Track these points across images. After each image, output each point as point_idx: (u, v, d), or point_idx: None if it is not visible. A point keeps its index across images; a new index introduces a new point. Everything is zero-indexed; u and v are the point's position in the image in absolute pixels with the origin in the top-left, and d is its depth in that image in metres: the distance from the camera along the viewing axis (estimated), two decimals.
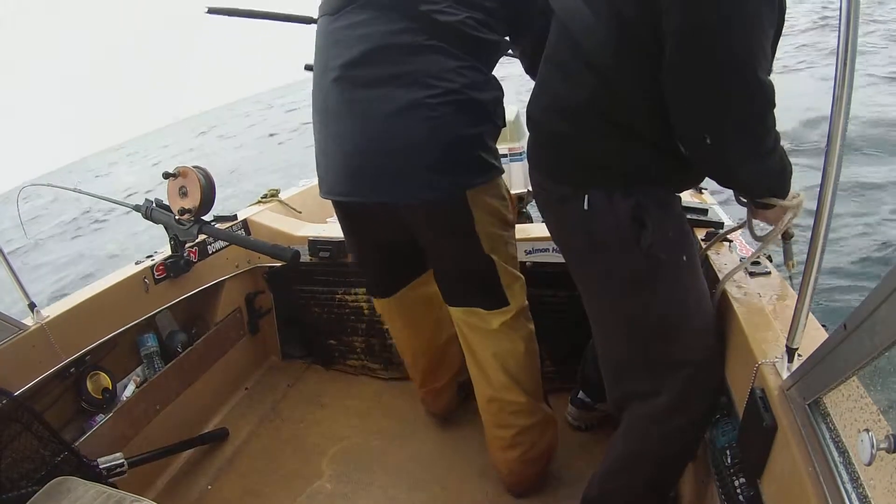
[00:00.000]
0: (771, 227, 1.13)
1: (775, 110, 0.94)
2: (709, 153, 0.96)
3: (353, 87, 1.20)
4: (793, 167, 1.05)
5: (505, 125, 1.32)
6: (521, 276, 1.43)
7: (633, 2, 0.93)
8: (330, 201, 1.41)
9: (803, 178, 1.09)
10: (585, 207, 1.07)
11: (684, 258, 1.09)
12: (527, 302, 1.45)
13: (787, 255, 1.17)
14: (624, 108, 1.01)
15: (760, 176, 1.02)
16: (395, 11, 1.16)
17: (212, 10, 1.70)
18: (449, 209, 1.26)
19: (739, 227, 1.24)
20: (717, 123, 0.93)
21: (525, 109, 1.22)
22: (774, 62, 0.96)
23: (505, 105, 1.31)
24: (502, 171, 1.32)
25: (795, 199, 1.06)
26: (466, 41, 1.18)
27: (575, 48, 1.04)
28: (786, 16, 0.95)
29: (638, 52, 0.96)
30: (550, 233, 1.30)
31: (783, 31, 0.96)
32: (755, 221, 1.16)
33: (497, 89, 1.27)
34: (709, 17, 0.86)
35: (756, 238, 1.19)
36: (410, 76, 1.16)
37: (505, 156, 2.46)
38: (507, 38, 1.32)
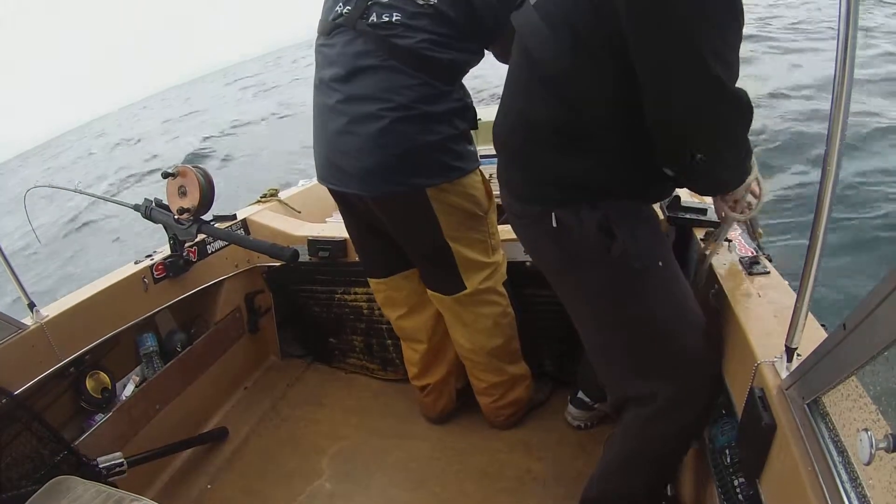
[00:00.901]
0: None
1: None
2: (700, 169, 0.96)
3: (336, 97, 1.41)
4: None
5: (475, 128, 1.49)
6: (492, 260, 1.59)
7: (587, 13, 0.92)
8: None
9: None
10: (554, 225, 1.07)
11: (660, 263, 1.09)
12: (490, 284, 1.60)
13: (755, 224, 1.22)
14: (584, 123, 1.00)
15: (741, 174, 1.04)
16: (363, 36, 1.36)
17: None
18: (409, 204, 1.44)
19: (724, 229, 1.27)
20: (707, 141, 0.93)
21: None
22: None
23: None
24: (468, 171, 1.47)
25: (752, 169, 1.09)
26: (419, 60, 1.34)
27: (533, 64, 1.03)
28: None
29: (594, 64, 0.95)
30: (525, 250, 1.30)
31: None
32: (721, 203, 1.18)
33: (456, 101, 1.42)
34: (682, 46, 0.85)
35: (737, 219, 1.20)
36: (370, 91, 1.36)
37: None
38: (477, 51, 1.44)
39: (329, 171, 1.48)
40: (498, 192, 1.36)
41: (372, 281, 1.77)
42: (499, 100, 1.19)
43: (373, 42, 1.34)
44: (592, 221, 1.04)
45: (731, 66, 0.88)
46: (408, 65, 1.34)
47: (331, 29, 1.42)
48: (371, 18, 1.35)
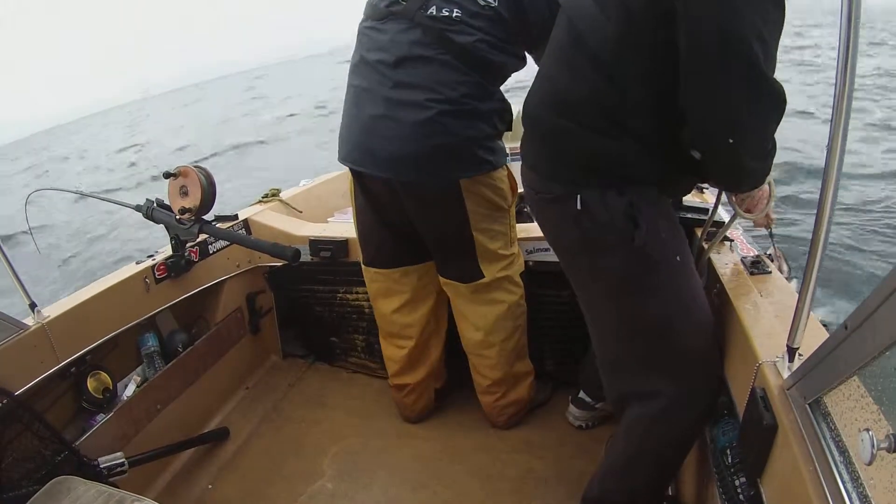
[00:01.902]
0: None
1: None
2: (729, 155, 0.96)
3: (380, 81, 1.42)
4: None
5: (510, 129, 1.53)
6: (510, 252, 1.62)
7: None
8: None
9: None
10: (578, 207, 1.07)
11: (677, 258, 1.09)
12: (508, 273, 1.63)
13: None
14: (625, 106, 1.00)
15: (764, 171, 1.04)
16: (420, 27, 1.37)
17: None
18: (441, 193, 1.48)
19: (732, 220, 1.28)
20: (741, 124, 0.93)
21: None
22: None
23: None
24: (499, 166, 1.51)
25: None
26: (474, 59, 1.37)
27: (579, 42, 1.03)
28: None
29: (642, 47, 0.95)
30: (543, 232, 1.30)
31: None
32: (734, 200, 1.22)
33: (499, 101, 1.46)
34: (727, 23, 0.86)
35: (744, 216, 1.22)
36: (419, 80, 1.37)
37: (507, 155, 2.44)
38: (522, 57, 1.48)
39: (358, 153, 1.48)
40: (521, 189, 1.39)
41: (371, 270, 1.75)
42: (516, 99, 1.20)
43: (430, 34, 1.36)
44: (618, 208, 1.04)
45: (773, 57, 0.89)
46: (462, 61, 1.36)
47: (384, 15, 1.42)
48: (430, 10, 1.36)
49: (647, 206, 1.05)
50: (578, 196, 1.07)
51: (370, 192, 1.60)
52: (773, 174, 1.12)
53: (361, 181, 1.59)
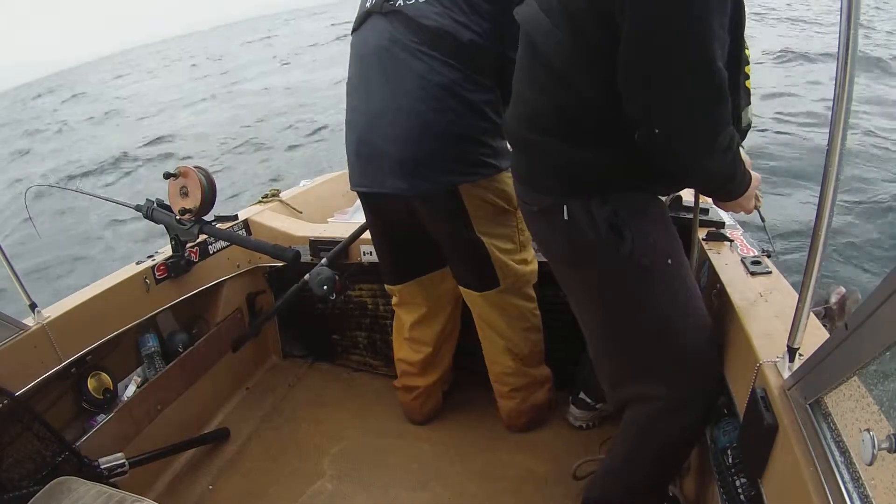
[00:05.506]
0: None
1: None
2: (659, 146, 0.92)
3: (368, 96, 1.41)
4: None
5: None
6: (521, 256, 1.57)
7: None
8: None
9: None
10: (566, 217, 1.06)
11: (669, 262, 1.07)
12: (526, 278, 1.59)
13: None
14: (591, 113, 0.99)
15: (716, 173, 0.99)
16: (389, 18, 1.35)
17: None
18: (442, 199, 1.43)
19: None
20: (664, 111, 0.89)
21: None
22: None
23: None
24: (503, 169, 1.43)
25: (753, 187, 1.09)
26: (448, 43, 1.32)
27: (536, 54, 1.03)
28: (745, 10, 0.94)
29: (592, 50, 0.93)
30: (536, 242, 1.30)
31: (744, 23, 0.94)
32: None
33: (489, 92, 1.38)
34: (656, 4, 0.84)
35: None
36: (408, 82, 1.34)
37: None
38: (496, 38, 1.39)
39: (364, 173, 1.48)
40: None
41: (387, 287, 1.78)
42: None
43: (401, 24, 1.34)
44: (603, 218, 1.03)
45: (720, 41, 0.85)
46: (436, 49, 1.32)
47: (363, 18, 1.43)
48: (398, 2, 1.34)
49: (632, 213, 1.04)
50: (565, 206, 1.06)
51: (380, 211, 1.60)
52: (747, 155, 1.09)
53: (371, 203, 1.60)
